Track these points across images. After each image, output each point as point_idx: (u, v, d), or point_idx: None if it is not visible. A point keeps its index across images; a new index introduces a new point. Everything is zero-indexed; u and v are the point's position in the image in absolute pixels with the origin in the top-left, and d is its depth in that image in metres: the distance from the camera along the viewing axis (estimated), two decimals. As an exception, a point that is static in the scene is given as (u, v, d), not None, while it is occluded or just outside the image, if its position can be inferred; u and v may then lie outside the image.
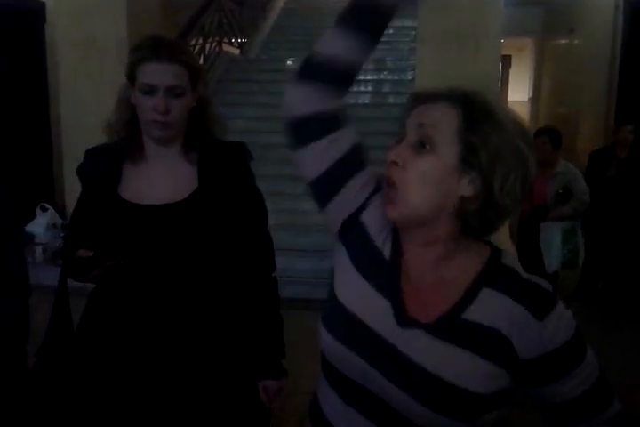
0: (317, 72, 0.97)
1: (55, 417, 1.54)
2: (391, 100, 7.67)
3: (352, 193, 1.00)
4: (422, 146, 0.91)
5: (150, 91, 1.44)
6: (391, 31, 8.86)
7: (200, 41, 6.69)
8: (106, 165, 1.56)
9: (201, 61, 6.64)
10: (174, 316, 1.50)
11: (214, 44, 7.07)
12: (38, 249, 4.91)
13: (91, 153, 1.63)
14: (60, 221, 5.12)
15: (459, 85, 0.96)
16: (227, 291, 1.57)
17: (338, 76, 0.98)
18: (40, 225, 5.06)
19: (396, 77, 8.03)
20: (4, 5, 5.52)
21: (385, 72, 8.17)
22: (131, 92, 1.51)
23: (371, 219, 1.00)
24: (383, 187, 0.96)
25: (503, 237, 4.97)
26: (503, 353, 0.89)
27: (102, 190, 1.54)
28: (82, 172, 1.60)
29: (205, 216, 1.52)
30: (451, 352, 0.89)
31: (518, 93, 10.36)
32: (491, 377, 0.88)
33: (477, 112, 0.90)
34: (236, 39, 7.74)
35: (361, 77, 8.01)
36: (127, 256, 1.48)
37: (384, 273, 0.96)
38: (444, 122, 0.91)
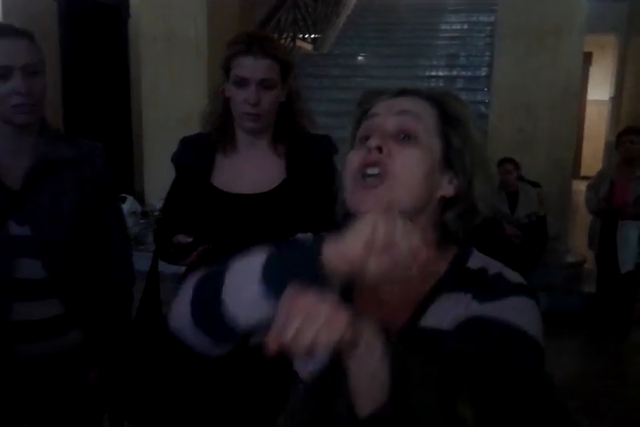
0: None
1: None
2: (464, 96, 7.55)
3: None
4: (406, 137, 0.85)
5: (243, 83, 1.51)
6: (465, 26, 8.75)
7: (275, 36, 6.77)
8: (199, 154, 1.63)
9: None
10: None
11: (289, 40, 7.15)
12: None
13: (185, 142, 1.71)
14: (139, 209, 5.31)
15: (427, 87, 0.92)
16: None
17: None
18: (122, 212, 5.25)
19: (469, 74, 7.89)
20: (90, 0, 5.78)
21: (458, 68, 8.04)
22: (225, 84, 1.57)
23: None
24: (350, 179, 0.86)
25: (579, 243, 4.84)
26: None
27: (195, 178, 1.62)
28: (176, 160, 1.69)
29: (290, 207, 1.57)
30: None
31: (599, 92, 10.00)
32: None
33: (452, 111, 0.87)
34: (310, 34, 7.80)
35: (432, 73, 7.93)
36: (216, 241, 1.54)
37: None
38: (424, 114, 0.86)
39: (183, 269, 1.63)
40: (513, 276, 0.85)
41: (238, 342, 0.83)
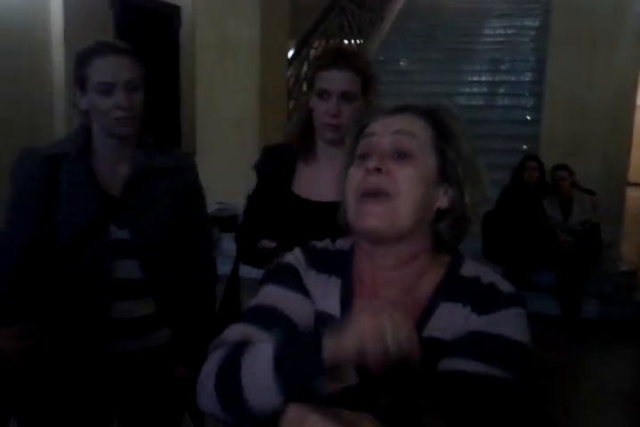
0: None
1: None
2: (507, 102, 7.52)
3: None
4: (402, 156, 0.88)
5: (325, 95, 1.57)
6: (510, 31, 8.69)
7: (323, 42, 6.85)
8: (281, 162, 1.70)
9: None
10: None
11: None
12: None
13: (267, 151, 1.79)
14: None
15: (420, 103, 0.95)
16: None
17: None
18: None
19: (512, 79, 7.83)
20: (143, 9, 5.93)
21: (501, 73, 7.99)
22: (309, 96, 1.63)
23: (317, 297, 0.95)
24: (352, 197, 0.91)
25: (631, 251, 4.78)
26: None
27: (277, 186, 1.68)
28: (258, 168, 1.76)
29: None
30: None
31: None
32: None
33: (446, 126, 0.91)
34: (355, 40, 7.85)
35: (475, 79, 7.91)
36: (295, 247, 1.60)
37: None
38: (419, 133, 0.90)
39: (261, 273, 1.70)
40: (505, 286, 0.90)
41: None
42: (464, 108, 6.68)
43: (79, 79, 1.49)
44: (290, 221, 1.65)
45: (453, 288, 0.90)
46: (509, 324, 0.85)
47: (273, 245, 1.61)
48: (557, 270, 4.17)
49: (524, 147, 6.25)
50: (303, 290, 0.95)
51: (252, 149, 5.14)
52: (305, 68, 6.51)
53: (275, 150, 1.77)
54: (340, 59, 1.57)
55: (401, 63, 8.05)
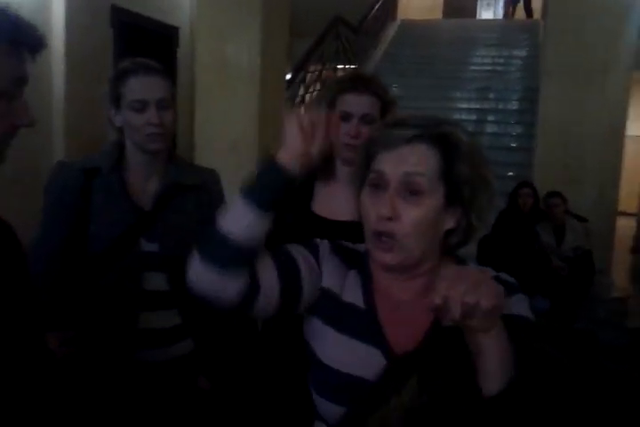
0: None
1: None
2: (495, 129, 7.68)
3: (309, 281, 1.00)
4: (413, 193, 0.93)
5: (346, 117, 1.62)
6: (498, 60, 8.91)
7: (319, 67, 6.95)
8: (300, 181, 1.73)
9: (317, 87, 6.89)
10: None
11: (330, 70, 7.32)
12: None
13: None
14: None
15: (432, 119, 0.97)
16: None
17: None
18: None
19: (500, 107, 8.01)
20: (143, 29, 5.98)
21: (490, 101, 8.17)
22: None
23: (330, 280, 1.02)
24: (370, 239, 0.97)
25: (621, 277, 4.86)
26: None
27: (296, 205, 1.70)
28: None
29: None
30: None
31: (636, 128, 10.03)
32: None
33: (454, 149, 0.94)
34: (350, 65, 7.97)
35: (464, 106, 8.07)
36: None
37: (364, 322, 0.99)
38: (428, 167, 0.93)
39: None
40: (508, 277, 0.99)
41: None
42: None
43: (114, 97, 1.55)
44: (308, 240, 1.68)
45: None
46: (522, 306, 0.96)
47: None
48: (551, 296, 4.23)
49: (510, 173, 6.38)
50: (316, 263, 1.04)
51: (250, 169, 5.16)
52: (301, 92, 6.60)
53: None
54: (361, 83, 1.63)
55: (393, 89, 8.19)
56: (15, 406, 0.81)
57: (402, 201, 0.93)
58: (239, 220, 0.93)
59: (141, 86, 1.52)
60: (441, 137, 0.95)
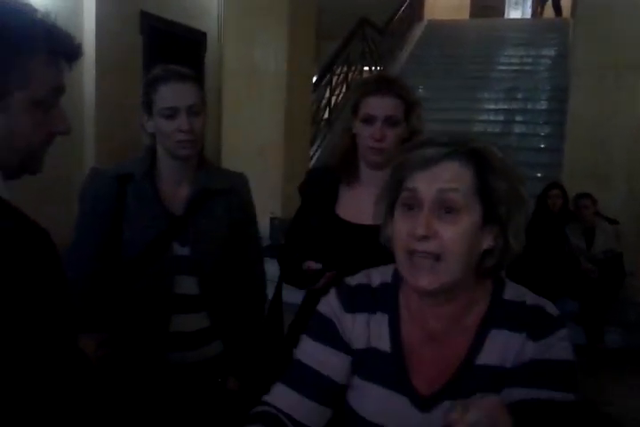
0: None
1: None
2: (523, 129, 7.59)
3: (343, 371, 0.99)
4: (448, 211, 0.89)
5: (370, 120, 1.62)
6: (526, 60, 8.82)
7: (344, 69, 6.96)
8: (325, 185, 1.75)
9: (343, 89, 6.91)
10: None
11: (356, 73, 7.33)
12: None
13: (312, 174, 1.85)
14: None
15: (460, 136, 0.94)
16: None
17: None
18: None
19: (529, 107, 7.92)
20: (171, 34, 6.07)
21: (518, 101, 8.08)
22: (353, 122, 1.69)
23: (356, 341, 0.99)
24: (404, 262, 0.92)
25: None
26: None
27: (321, 208, 1.72)
28: (303, 190, 1.80)
29: None
30: None
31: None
32: None
33: (487, 165, 0.91)
34: (375, 67, 7.97)
35: (492, 106, 8.00)
36: (340, 268, 1.64)
37: (389, 367, 0.96)
38: (462, 184, 0.90)
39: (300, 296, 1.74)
40: (551, 308, 0.94)
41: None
42: (480, 135, 6.72)
43: (146, 104, 1.58)
44: (333, 243, 1.70)
45: (502, 315, 0.94)
46: (563, 347, 0.91)
47: (318, 266, 1.64)
48: (581, 299, 4.17)
49: (539, 174, 6.31)
50: (340, 342, 0.99)
51: (277, 173, 5.22)
52: (327, 94, 6.63)
53: (319, 173, 1.83)
54: (384, 85, 1.63)
55: (419, 90, 8.15)
56: (57, 406, 0.84)
57: (437, 220, 0.89)
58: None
59: (172, 93, 1.54)
60: (473, 153, 0.92)
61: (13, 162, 0.89)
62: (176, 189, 1.62)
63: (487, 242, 0.92)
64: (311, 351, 1.00)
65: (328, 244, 1.70)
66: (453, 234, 0.88)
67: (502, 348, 0.91)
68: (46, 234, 0.83)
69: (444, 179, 0.90)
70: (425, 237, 0.88)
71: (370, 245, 1.69)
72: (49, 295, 0.82)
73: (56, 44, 0.88)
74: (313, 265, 1.65)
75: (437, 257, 0.88)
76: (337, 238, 1.70)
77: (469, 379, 0.91)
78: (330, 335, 0.99)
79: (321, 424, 0.97)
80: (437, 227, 0.88)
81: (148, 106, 1.57)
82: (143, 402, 1.59)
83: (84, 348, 1.53)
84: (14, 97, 0.85)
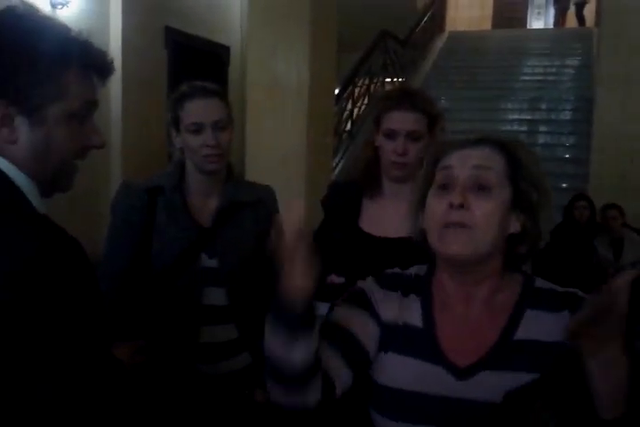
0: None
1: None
2: (547, 140, 7.53)
3: (371, 339, 1.01)
4: (481, 189, 0.95)
5: (392, 135, 1.62)
6: (550, 70, 8.77)
7: (366, 81, 6.98)
8: (348, 198, 1.75)
9: (365, 101, 6.92)
10: None
11: (378, 84, 7.35)
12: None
13: (334, 187, 1.85)
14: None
15: (489, 133, 1.02)
16: None
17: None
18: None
19: (552, 117, 7.86)
20: (195, 49, 6.16)
21: (541, 112, 8.03)
22: (375, 135, 1.69)
23: (386, 314, 1.03)
24: (435, 225, 0.97)
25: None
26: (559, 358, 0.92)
27: (344, 221, 1.72)
28: (326, 203, 1.81)
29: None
30: (512, 380, 0.92)
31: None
32: None
33: (519, 159, 0.98)
34: (397, 78, 7.98)
35: (515, 117, 7.95)
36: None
37: (421, 340, 1.00)
38: (495, 165, 0.97)
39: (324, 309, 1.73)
40: (581, 293, 0.99)
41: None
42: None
43: (174, 120, 1.61)
44: (356, 256, 1.69)
45: (535, 298, 0.99)
46: None
47: (341, 280, 1.64)
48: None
49: (564, 185, 6.24)
50: (372, 310, 1.04)
51: (299, 184, 5.23)
52: (349, 106, 6.64)
53: (341, 186, 1.84)
54: (406, 100, 1.62)
55: (441, 101, 8.15)
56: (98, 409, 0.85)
57: (473, 196, 0.95)
58: (278, 347, 0.91)
59: (197, 109, 1.57)
60: (503, 145, 0.99)
61: (47, 176, 0.92)
62: (204, 202, 1.64)
63: (514, 226, 0.97)
64: (346, 314, 1.04)
65: (351, 257, 1.69)
66: (485, 209, 0.94)
67: (540, 324, 0.96)
68: (81, 247, 0.85)
69: (478, 157, 0.97)
70: (460, 206, 0.94)
71: (393, 257, 1.69)
72: (85, 305, 0.84)
73: (89, 59, 0.91)
74: (335, 279, 1.65)
75: (469, 229, 0.94)
76: (360, 251, 1.69)
77: (507, 352, 0.95)
78: (363, 302, 1.05)
79: (342, 388, 0.98)
80: (472, 200, 0.94)
81: (175, 122, 1.61)
82: (173, 411, 1.60)
83: (119, 355, 1.56)
84: (50, 110, 0.88)
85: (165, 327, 1.60)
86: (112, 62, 0.95)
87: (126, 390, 0.93)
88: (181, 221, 1.59)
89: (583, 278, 4.16)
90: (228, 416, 1.65)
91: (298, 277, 0.88)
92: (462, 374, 0.96)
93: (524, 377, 0.92)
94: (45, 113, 0.88)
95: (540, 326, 0.96)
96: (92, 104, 0.94)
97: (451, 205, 0.95)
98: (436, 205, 0.98)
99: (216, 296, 1.60)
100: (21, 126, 0.87)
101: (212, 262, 1.60)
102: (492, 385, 0.93)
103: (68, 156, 0.92)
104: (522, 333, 0.96)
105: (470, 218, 0.94)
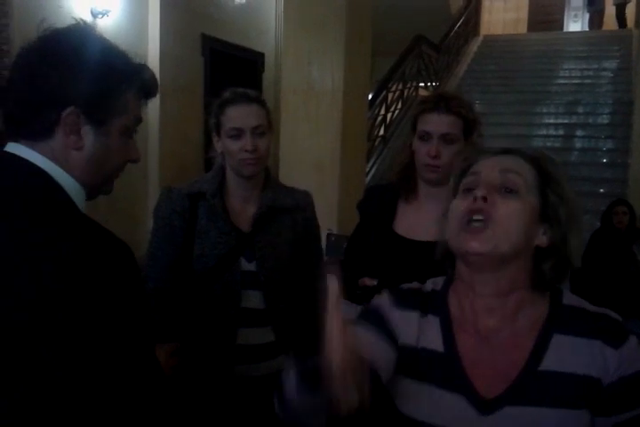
0: None
1: None
2: (585, 144, 7.40)
3: (387, 361, 0.95)
4: (508, 191, 0.93)
5: (426, 137, 1.63)
6: (587, 73, 8.62)
7: (400, 86, 6.98)
8: (383, 202, 1.76)
9: (399, 106, 6.91)
10: None
11: (412, 89, 7.33)
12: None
13: (370, 191, 1.87)
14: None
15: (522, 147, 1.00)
16: None
17: None
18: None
19: (590, 121, 7.73)
20: (231, 56, 6.25)
21: (578, 115, 7.90)
22: (412, 139, 1.70)
23: (403, 335, 0.98)
24: (456, 223, 0.94)
25: None
26: (589, 394, 0.88)
27: (379, 224, 1.73)
28: (362, 207, 1.82)
29: None
30: (536, 416, 0.87)
31: None
32: (575, 422, 0.88)
33: (549, 172, 0.95)
34: (432, 83, 7.95)
35: (551, 121, 7.84)
36: (394, 284, 1.64)
37: (444, 367, 0.94)
38: (525, 172, 0.95)
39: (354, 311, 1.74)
40: (613, 314, 0.94)
41: None
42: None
43: (216, 125, 1.66)
44: (391, 260, 1.70)
45: (564, 320, 0.93)
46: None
47: (374, 283, 1.65)
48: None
49: (602, 190, 6.12)
50: (387, 331, 0.98)
51: (332, 189, 5.25)
52: (383, 111, 6.65)
53: (377, 190, 1.85)
54: (442, 103, 1.62)
55: (476, 105, 8.08)
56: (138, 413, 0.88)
57: (499, 196, 0.93)
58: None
59: (238, 115, 1.62)
60: (534, 157, 0.97)
61: (98, 183, 0.98)
62: (243, 207, 1.68)
63: (541, 240, 0.94)
64: (361, 334, 0.95)
65: (385, 260, 1.71)
66: (509, 208, 0.91)
67: (568, 353, 0.90)
68: (128, 248, 0.88)
69: (507, 163, 0.96)
70: (484, 199, 0.91)
71: (426, 260, 1.69)
72: (131, 304, 0.87)
73: (144, 82, 1.00)
74: (368, 282, 1.66)
75: (490, 223, 0.90)
76: (394, 254, 1.70)
77: (533, 384, 0.89)
78: (377, 322, 0.99)
79: None
80: (497, 198, 0.92)
81: (217, 127, 1.65)
82: (209, 412, 1.63)
83: (158, 356, 1.60)
84: (114, 123, 0.95)
85: (204, 329, 1.63)
86: (157, 86, 1.05)
87: (165, 391, 0.95)
88: (221, 225, 1.63)
89: (623, 286, 4.08)
90: (262, 418, 1.67)
91: (348, 390, 0.74)
92: (486, 407, 0.90)
93: (548, 413, 0.87)
94: (110, 125, 0.95)
95: (568, 356, 0.90)
96: (139, 120, 1.01)
97: (474, 200, 0.92)
98: (460, 204, 0.95)
99: (254, 299, 1.64)
100: (88, 135, 0.93)
101: (251, 266, 1.63)
102: (515, 423, 0.88)
103: (118, 166, 1.00)
104: (549, 362, 0.90)
105: (492, 211, 0.91)
